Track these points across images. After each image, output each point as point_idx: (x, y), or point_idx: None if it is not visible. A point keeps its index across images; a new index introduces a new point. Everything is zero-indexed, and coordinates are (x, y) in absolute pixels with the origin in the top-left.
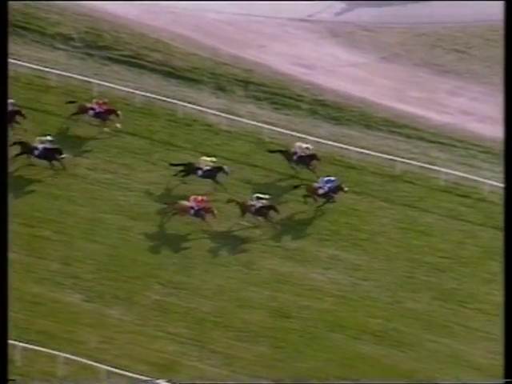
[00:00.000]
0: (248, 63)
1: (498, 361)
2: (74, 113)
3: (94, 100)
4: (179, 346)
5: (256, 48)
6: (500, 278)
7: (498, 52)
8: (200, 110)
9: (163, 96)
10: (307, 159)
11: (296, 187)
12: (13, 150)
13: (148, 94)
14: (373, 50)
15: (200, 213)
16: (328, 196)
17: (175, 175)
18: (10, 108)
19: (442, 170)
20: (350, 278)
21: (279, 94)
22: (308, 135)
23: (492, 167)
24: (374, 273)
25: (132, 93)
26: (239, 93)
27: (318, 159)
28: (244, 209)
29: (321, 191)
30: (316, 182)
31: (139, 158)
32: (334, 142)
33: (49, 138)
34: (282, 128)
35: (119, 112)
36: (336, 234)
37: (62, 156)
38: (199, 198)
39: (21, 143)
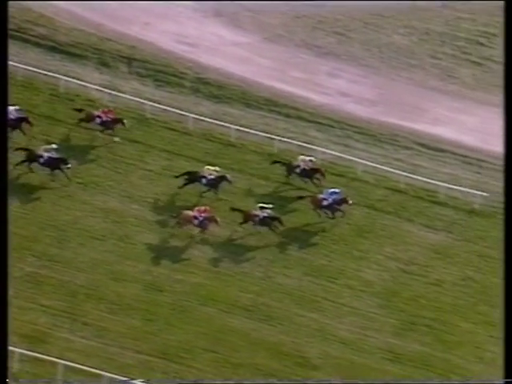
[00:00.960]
0: (132, 40)
1: (364, 335)
2: None
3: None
4: (51, 318)
5: (140, 25)
6: (370, 256)
7: (377, 36)
8: (83, 85)
9: (46, 70)
10: (310, 172)
11: (300, 198)
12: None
13: (30, 68)
14: (256, 30)
15: (204, 223)
16: (333, 208)
17: (180, 187)
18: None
19: (319, 149)
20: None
21: (162, 72)
22: (190, 113)
23: (366, 147)
24: (246, 250)
25: (15, 66)
26: (123, 69)
27: (322, 173)
28: (247, 218)
29: (325, 203)
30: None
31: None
32: (214, 119)
33: (54, 146)
34: (165, 105)
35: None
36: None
37: (68, 166)
38: (202, 208)
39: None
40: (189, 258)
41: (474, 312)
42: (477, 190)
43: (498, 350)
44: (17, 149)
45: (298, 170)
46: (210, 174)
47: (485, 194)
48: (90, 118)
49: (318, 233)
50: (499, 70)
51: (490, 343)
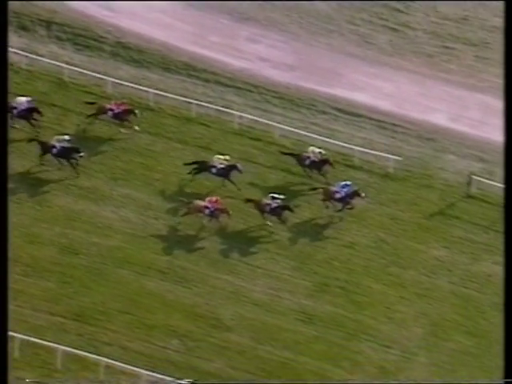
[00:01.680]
0: (51, 3)
1: (277, 297)
2: None
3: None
4: None
5: None
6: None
7: (297, 2)
8: None
9: None
10: (320, 164)
11: (314, 189)
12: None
13: None
14: None
15: (215, 213)
16: (344, 201)
17: (189, 173)
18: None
19: (237, 113)
20: (141, 216)
21: (82, 35)
22: (109, 77)
23: (284, 112)
24: (165, 212)
25: None
26: (41, 32)
27: (331, 164)
28: (261, 208)
29: (337, 196)
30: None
31: None
32: (133, 83)
33: (66, 137)
34: (84, 69)
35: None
36: (130, 174)
37: (81, 154)
38: (214, 198)
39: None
40: (105, 220)
41: (385, 273)
42: (391, 154)
43: (407, 311)
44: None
45: (307, 162)
46: (221, 164)
47: (398, 158)
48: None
49: (234, 198)
50: (415, 36)
51: (400, 304)
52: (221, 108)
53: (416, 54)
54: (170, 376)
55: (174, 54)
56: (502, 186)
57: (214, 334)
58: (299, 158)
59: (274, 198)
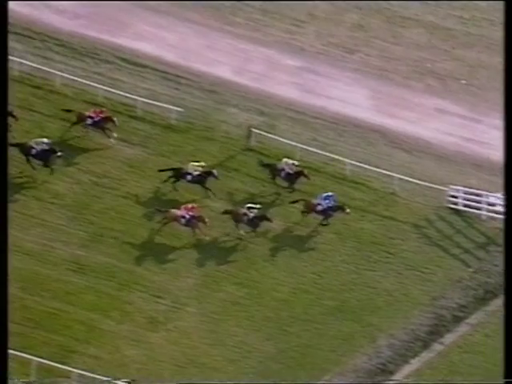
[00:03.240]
0: None
1: (50, 247)
2: None
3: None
4: None
5: None
6: (62, 169)
7: None
8: None
9: None
10: (294, 176)
11: (294, 202)
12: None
13: None
14: None
15: (192, 222)
16: (327, 214)
17: (165, 181)
18: None
19: (17, 59)
20: None
21: None
22: None
23: (66, 60)
24: None
25: None
26: None
27: (306, 175)
28: (237, 218)
29: (319, 208)
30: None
31: None
32: None
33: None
34: None
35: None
36: None
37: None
38: (189, 205)
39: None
40: None
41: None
42: (174, 105)
43: (182, 262)
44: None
45: (283, 175)
46: (195, 170)
47: (181, 109)
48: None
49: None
50: None
51: (175, 254)
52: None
53: (204, 6)
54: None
55: None
56: (281, 139)
57: None
58: (274, 170)
59: (250, 208)
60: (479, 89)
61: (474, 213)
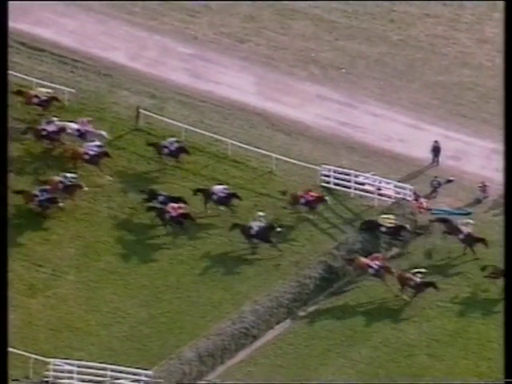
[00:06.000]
0: None
1: None
2: None
3: None
4: None
5: None
6: None
7: None
8: None
9: None
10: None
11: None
12: None
13: None
14: None
15: (380, 272)
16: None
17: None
18: None
19: None
20: None
21: None
22: None
23: None
24: None
25: None
26: None
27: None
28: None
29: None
30: None
31: None
32: None
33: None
34: None
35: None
36: None
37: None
38: (376, 255)
39: None
40: None
41: None
42: (69, 87)
43: (64, 233)
44: None
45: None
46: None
47: (73, 90)
48: None
49: None
50: None
51: (58, 227)
52: None
53: None
54: None
55: None
56: (168, 120)
57: None
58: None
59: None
60: (357, 77)
61: (343, 191)
